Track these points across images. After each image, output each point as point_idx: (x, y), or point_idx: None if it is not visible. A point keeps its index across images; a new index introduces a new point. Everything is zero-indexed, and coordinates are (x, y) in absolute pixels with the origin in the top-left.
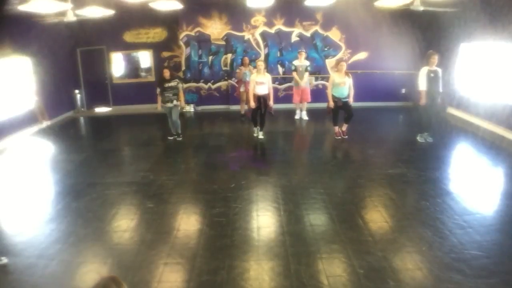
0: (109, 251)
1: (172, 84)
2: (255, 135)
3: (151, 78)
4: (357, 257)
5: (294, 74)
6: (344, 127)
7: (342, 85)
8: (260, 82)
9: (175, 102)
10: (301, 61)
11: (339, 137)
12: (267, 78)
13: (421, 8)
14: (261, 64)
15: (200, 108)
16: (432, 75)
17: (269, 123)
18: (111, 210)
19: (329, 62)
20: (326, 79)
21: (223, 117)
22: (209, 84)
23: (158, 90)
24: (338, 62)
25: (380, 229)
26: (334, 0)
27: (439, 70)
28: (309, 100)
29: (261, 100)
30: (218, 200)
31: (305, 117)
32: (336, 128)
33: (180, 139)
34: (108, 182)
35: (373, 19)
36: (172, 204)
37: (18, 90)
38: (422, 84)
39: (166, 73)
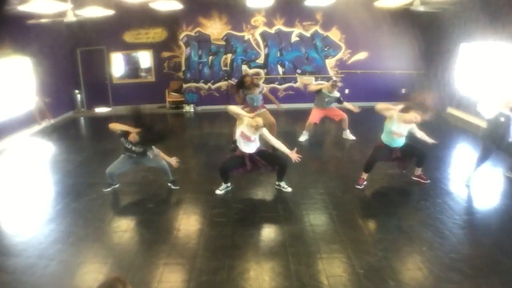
0: (109, 251)
1: (138, 149)
2: (218, 191)
3: (151, 78)
4: (357, 257)
5: (313, 87)
6: (419, 171)
7: (396, 137)
8: (246, 136)
9: (146, 155)
10: (332, 92)
11: (362, 187)
12: (260, 131)
13: (421, 8)
14: (258, 122)
15: (200, 108)
16: (502, 119)
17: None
18: (111, 210)
19: (329, 62)
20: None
21: (223, 117)
22: (209, 84)
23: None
24: (408, 109)
25: (380, 229)
26: (334, 0)
27: None
28: (345, 115)
29: (254, 160)
30: (218, 200)
31: (351, 136)
32: (364, 176)
33: (178, 187)
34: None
35: (373, 19)
36: (172, 204)
37: (18, 90)
38: None
39: (133, 137)
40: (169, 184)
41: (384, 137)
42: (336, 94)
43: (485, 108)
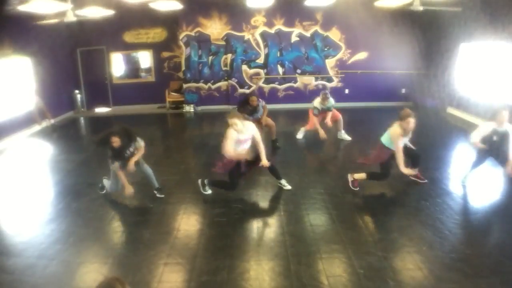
0: (109, 251)
1: (129, 152)
2: (207, 192)
3: (151, 78)
4: (357, 257)
5: (315, 120)
6: (416, 171)
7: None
8: (242, 141)
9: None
10: (324, 104)
11: (358, 188)
12: (250, 130)
13: (421, 8)
14: (235, 122)
15: (200, 108)
16: (495, 138)
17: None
18: (111, 210)
19: (329, 62)
20: (326, 79)
21: (223, 117)
22: (209, 84)
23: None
24: (405, 116)
25: (380, 229)
26: (334, 0)
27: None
28: (339, 116)
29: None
30: (218, 200)
31: (346, 137)
32: (362, 180)
33: (163, 195)
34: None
35: (373, 19)
36: (172, 204)
37: (18, 90)
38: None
39: (115, 141)
40: (154, 192)
41: (386, 140)
42: (331, 102)
43: (477, 134)
